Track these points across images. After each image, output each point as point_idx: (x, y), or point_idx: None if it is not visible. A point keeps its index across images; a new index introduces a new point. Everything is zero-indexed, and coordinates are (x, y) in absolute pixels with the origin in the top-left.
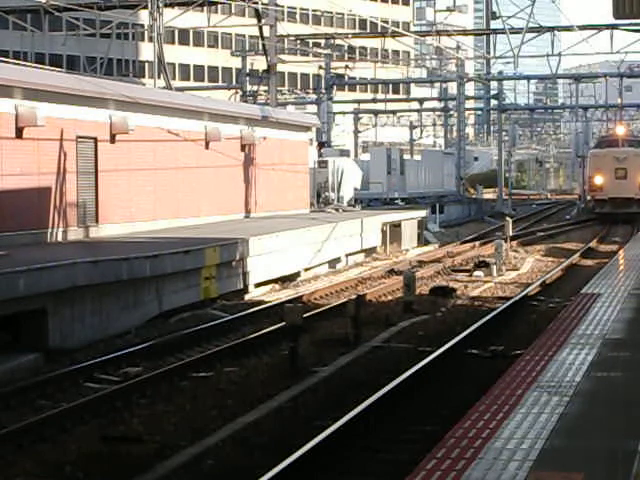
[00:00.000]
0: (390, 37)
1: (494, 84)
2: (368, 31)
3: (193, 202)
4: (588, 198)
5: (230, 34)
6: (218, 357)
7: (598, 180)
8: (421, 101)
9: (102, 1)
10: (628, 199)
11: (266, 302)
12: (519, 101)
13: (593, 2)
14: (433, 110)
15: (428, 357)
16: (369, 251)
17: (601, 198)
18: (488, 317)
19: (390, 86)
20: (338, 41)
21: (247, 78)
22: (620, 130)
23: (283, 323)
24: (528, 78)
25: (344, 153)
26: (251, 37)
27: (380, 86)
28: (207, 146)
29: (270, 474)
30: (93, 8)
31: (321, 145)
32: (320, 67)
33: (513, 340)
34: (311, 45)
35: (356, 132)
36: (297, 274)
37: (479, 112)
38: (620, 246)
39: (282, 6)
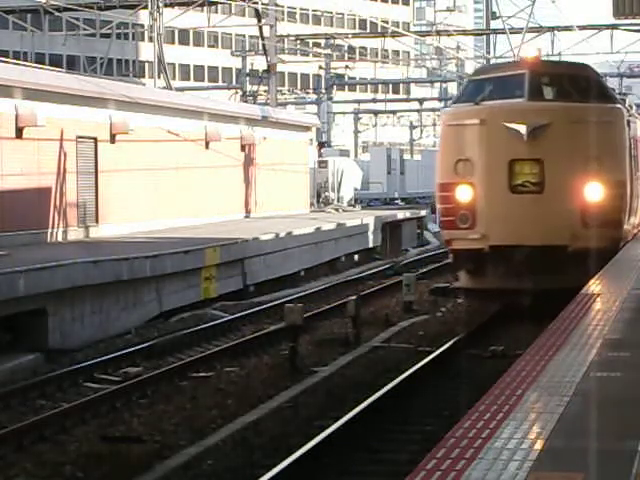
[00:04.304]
0: (390, 37)
1: None
2: (368, 31)
3: (193, 202)
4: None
5: (230, 34)
6: (218, 357)
7: (463, 195)
8: (421, 101)
9: (102, 1)
10: (550, 250)
11: (266, 302)
12: None
13: (593, 2)
14: (433, 110)
15: (427, 357)
16: (369, 251)
17: (471, 247)
18: (488, 317)
19: (390, 86)
20: (338, 41)
21: (247, 78)
22: (530, 52)
23: (283, 323)
24: None
25: (344, 153)
26: (251, 37)
27: (380, 86)
28: (207, 146)
29: (270, 474)
30: (93, 8)
31: (321, 145)
32: (320, 67)
33: (513, 340)
34: (311, 45)
35: (356, 132)
36: (297, 274)
37: None
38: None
39: (282, 6)
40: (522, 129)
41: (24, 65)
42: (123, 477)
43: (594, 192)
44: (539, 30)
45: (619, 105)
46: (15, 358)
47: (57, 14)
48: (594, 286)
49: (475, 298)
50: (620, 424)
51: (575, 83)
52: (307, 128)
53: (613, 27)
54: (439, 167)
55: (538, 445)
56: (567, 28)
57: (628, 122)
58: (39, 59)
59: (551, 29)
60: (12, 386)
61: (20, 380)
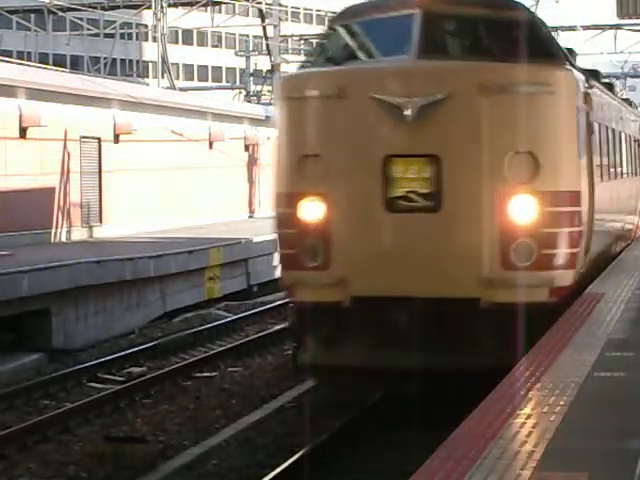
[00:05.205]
0: None
1: None
2: None
3: (197, 202)
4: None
5: (234, 34)
6: (222, 357)
7: (310, 213)
8: None
9: (106, 1)
10: (450, 306)
11: (270, 302)
12: None
13: (597, 2)
14: None
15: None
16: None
17: (323, 300)
18: None
19: None
20: None
21: (251, 78)
22: None
23: (287, 323)
24: None
25: None
26: (255, 37)
27: None
28: (211, 146)
29: (273, 474)
30: (97, 8)
31: None
32: None
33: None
34: (315, 45)
35: None
36: None
37: None
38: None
39: (286, 6)
40: (405, 105)
41: (28, 65)
42: (127, 477)
43: (524, 210)
44: None
45: (569, 67)
46: (19, 358)
47: (61, 14)
48: (598, 286)
49: (330, 380)
50: (624, 424)
51: (497, 32)
52: None
53: (617, 27)
54: (275, 167)
55: (542, 445)
56: (571, 28)
57: (586, 95)
58: (43, 59)
59: (555, 29)
60: (16, 386)
61: (24, 380)
